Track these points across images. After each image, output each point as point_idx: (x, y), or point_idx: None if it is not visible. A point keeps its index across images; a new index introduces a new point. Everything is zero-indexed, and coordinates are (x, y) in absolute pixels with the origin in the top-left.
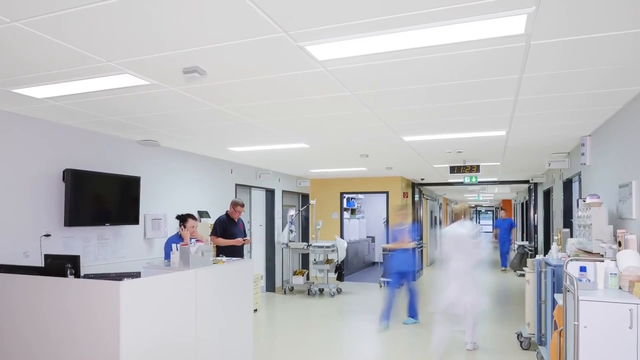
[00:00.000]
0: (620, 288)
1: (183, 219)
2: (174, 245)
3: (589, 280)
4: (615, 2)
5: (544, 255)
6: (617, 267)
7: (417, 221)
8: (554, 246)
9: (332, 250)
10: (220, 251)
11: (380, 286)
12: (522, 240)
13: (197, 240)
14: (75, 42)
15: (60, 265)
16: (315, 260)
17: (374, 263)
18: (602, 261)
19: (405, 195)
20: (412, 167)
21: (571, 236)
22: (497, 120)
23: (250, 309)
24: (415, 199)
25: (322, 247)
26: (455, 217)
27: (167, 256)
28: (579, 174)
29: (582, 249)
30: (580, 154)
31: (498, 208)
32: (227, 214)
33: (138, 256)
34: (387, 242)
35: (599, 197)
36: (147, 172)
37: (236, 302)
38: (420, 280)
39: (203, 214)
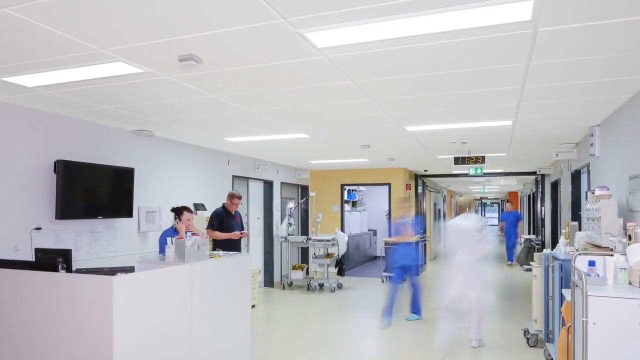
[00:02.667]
0: (630, 283)
1: (178, 211)
2: (169, 239)
3: (598, 275)
4: None
5: (552, 249)
6: (627, 262)
7: (420, 214)
8: (561, 240)
9: (333, 244)
10: (217, 245)
11: (382, 281)
12: (529, 233)
13: (193, 234)
14: (67, 29)
15: (52, 260)
16: (315, 254)
17: (375, 257)
18: (612, 255)
19: (408, 187)
20: (415, 158)
21: (579, 229)
22: (503, 109)
23: (248, 304)
24: (419, 191)
25: (322, 240)
26: (460, 209)
27: (162, 250)
28: (588, 165)
29: (591, 243)
30: (589, 144)
31: (504, 200)
32: (224, 207)
33: (132, 250)
34: (390, 236)
35: (608, 189)
36: (142, 163)
37: (233, 298)
38: (424, 274)
39: (199, 207)
